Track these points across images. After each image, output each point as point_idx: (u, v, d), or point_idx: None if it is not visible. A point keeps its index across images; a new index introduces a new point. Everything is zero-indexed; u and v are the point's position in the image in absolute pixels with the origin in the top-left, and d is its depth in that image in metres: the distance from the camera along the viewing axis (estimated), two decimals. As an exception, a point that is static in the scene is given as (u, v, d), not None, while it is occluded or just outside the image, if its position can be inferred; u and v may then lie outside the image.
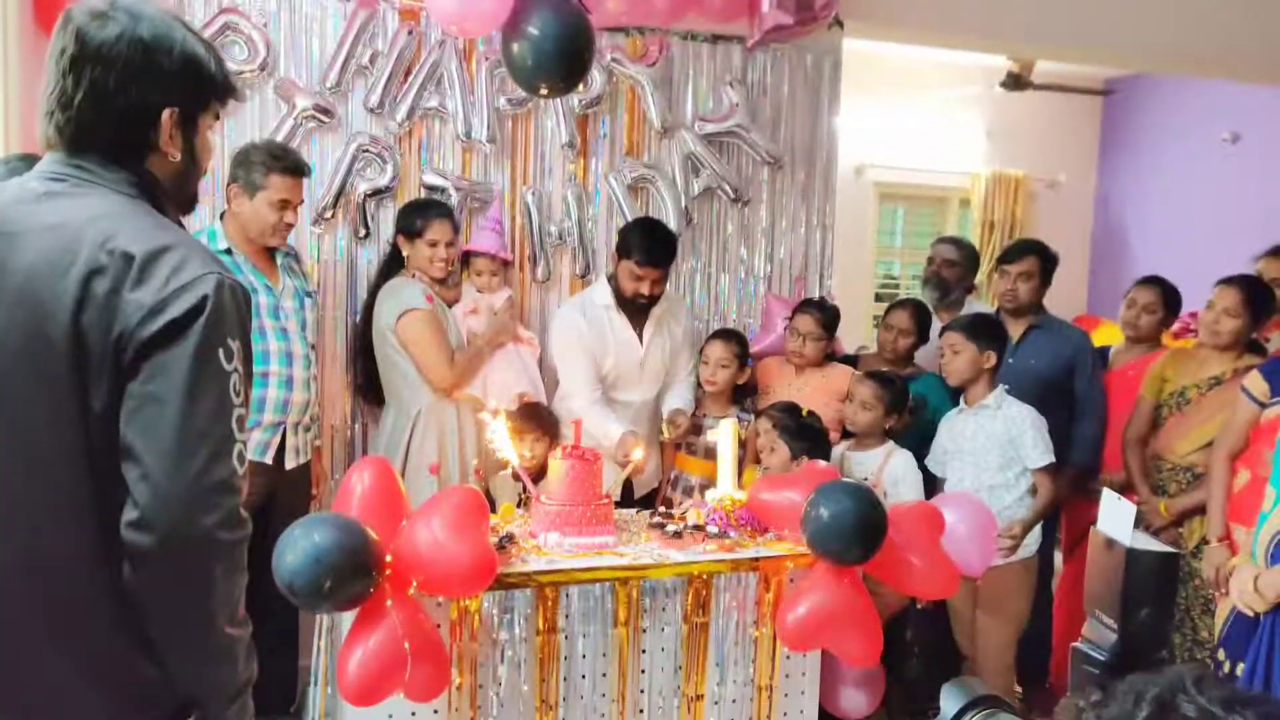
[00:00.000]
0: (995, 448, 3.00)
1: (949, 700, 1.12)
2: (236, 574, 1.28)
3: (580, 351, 3.17)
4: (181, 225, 1.39)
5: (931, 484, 3.15)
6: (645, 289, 3.13)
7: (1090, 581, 1.56)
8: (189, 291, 1.21)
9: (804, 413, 3.02)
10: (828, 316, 3.37)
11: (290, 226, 2.85)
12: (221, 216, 2.85)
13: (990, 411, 3.02)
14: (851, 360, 3.65)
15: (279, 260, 2.90)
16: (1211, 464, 2.89)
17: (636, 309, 3.19)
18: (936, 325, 3.61)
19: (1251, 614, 2.18)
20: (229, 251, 2.76)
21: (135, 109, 1.28)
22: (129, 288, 1.20)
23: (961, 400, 3.12)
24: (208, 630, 1.25)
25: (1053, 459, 3.00)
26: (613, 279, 3.22)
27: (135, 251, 1.21)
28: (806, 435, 2.93)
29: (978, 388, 3.06)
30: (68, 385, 1.21)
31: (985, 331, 3.07)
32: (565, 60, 2.52)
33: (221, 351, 1.23)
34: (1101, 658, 1.29)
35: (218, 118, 1.41)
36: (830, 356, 3.46)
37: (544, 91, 2.69)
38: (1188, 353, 3.27)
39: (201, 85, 1.34)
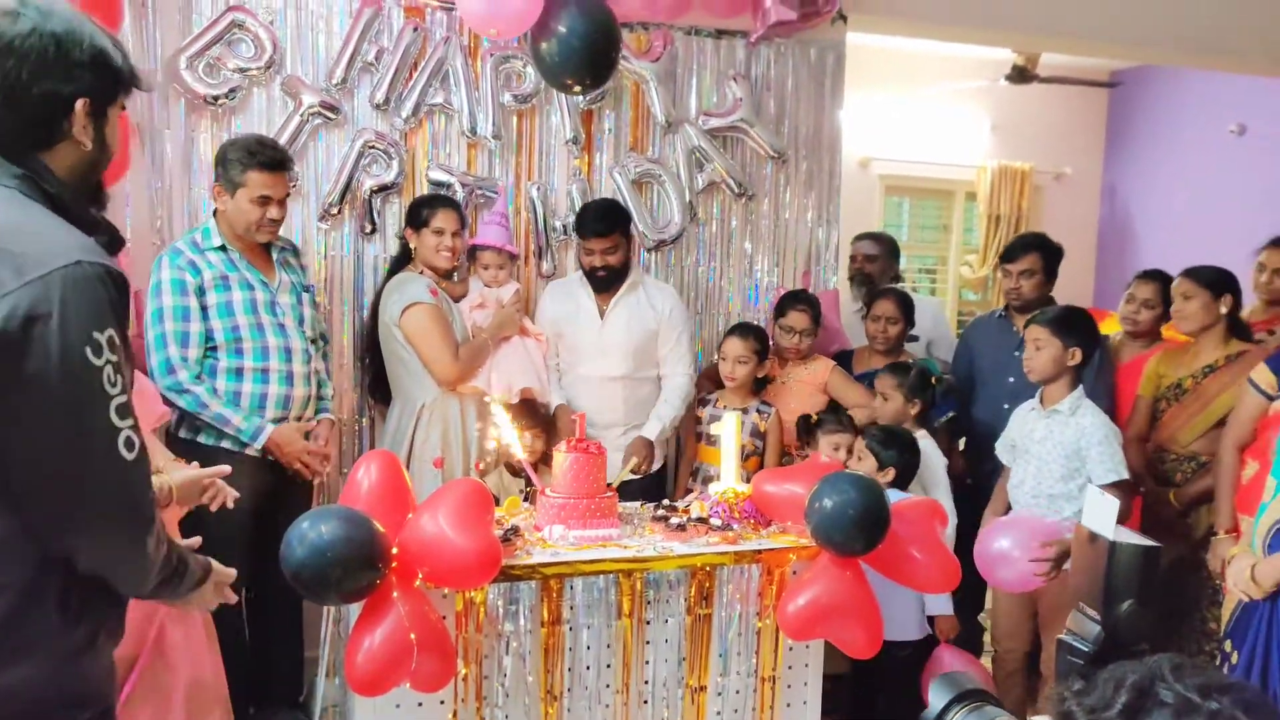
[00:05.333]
0: (1061, 457, 2.83)
1: (936, 695, 1.14)
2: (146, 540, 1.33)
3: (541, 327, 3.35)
4: (83, 214, 1.39)
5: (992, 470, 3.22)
6: (598, 260, 3.21)
7: (1075, 575, 1.58)
8: (33, 283, 1.20)
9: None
10: (816, 310, 3.44)
11: (276, 222, 2.82)
12: (214, 214, 2.84)
13: (1063, 418, 2.84)
14: (847, 356, 3.68)
15: (274, 255, 2.89)
16: (1219, 456, 2.87)
17: (601, 285, 3.26)
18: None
19: (1247, 599, 2.20)
20: (224, 248, 2.76)
21: (49, 99, 1.32)
22: None
23: (1038, 396, 2.96)
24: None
25: (1125, 475, 2.79)
26: None
27: None
28: (893, 444, 2.97)
29: (1057, 387, 2.87)
30: None
31: (1074, 326, 2.87)
32: (593, 57, 2.55)
33: (88, 349, 1.23)
34: (1085, 649, 1.31)
35: (124, 108, 1.46)
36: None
37: (576, 90, 2.74)
38: (1179, 347, 3.31)
39: (111, 76, 1.39)
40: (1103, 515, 1.43)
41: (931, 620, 3.04)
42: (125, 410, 1.27)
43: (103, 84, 1.37)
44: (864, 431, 3.07)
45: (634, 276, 3.32)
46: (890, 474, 2.91)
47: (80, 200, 1.40)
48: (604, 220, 3.22)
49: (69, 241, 1.27)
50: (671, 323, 3.32)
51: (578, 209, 3.38)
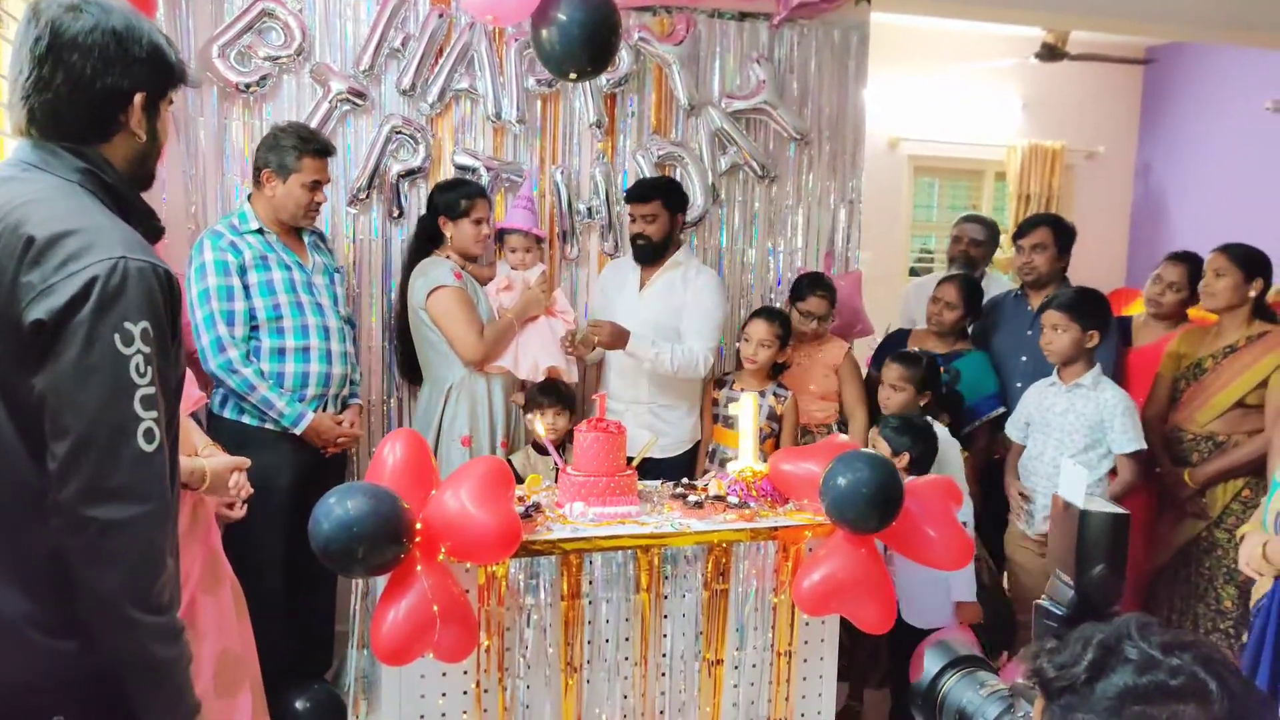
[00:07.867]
0: (1084, 429, 2.99)
1: (931, 660, 1.18)
2: (143, 557, 1.30)
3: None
4: (138, 203, 1.46)
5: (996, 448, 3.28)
6: (637, 227, 3.28)
7: (1051, 543, 1.64)
8: (76, 276, 1.27)
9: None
10: (833, 296, 3.45)
11: (320, 206, 2.95)
12: (249, 198, 2.93)
13: (1085, 391, 3.01)
14: (903, 336, 3.70)
15: (306, 239, 2.99)
16: (1272, 441, 2.95)
17: (643, 255, 3.33)
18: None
19: (1259, 577, 2.21)
20: (261, 231, 2.86)
21: (110, 93, 1.39)
22: (24, 270, 1.28)
23: (1055, 374, 3.11)
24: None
25: (1142, 445, 2.98)
26: None
27: (37, 235, 1.28)
28: (907, 431, 2.95)
29: (1077, 365, 3.04)
30: None
31: (1090, 310, 3.03)
32: (592, 46, 2.57)
33: (117, 336, 1.27)
34: (1060, 612, 1.36)
35: (172, 102, 1.52)
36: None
37: (572, 77, 2.75)
38: (1202, 328, 3.30)
39: (165, 71, 1.45)
40: (1074, 484, 1.48)
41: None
42: (150, 402, 1.30)
43: (158, 78, 1.44)
44: (880, 421, 3.07)
45: (678, 256, 3.35)
46: (904, 459, 2.92)
47: (134, 190, 1.47)
48: (643, 188, 3.31)
49: (116, 238, 1.33)
50: (696, 301, 3.31)
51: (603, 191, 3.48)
